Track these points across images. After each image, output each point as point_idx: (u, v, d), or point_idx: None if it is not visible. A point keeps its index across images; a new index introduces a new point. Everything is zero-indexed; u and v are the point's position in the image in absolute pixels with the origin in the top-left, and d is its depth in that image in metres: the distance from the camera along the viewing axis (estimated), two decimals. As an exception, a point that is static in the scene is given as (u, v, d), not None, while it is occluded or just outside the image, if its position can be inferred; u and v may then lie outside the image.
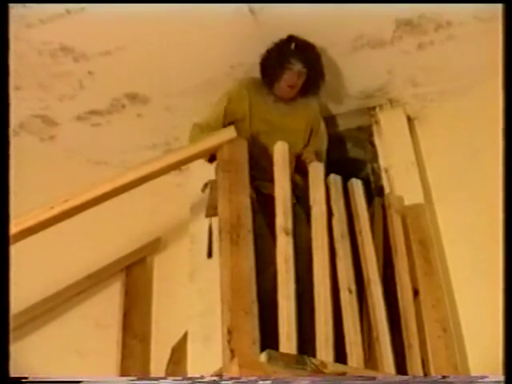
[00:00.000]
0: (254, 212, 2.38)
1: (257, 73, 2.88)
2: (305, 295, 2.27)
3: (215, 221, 2.61)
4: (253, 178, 2.49)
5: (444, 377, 2.22)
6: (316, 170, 2.65)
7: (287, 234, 2.33)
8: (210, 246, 2.64)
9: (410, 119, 3.17)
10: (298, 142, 2.81)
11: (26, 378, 1.77)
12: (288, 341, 2.06)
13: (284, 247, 2.30)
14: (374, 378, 2.10)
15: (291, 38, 2.71)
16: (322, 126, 2.95)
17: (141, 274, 3.21)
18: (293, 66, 2.69)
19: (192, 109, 3.12)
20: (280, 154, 2.55)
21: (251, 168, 2.50)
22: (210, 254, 2.63)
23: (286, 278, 2.22)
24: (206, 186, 2.74)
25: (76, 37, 2.73)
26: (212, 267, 2.57)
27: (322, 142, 2.92)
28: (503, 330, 1.69)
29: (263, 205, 2.45)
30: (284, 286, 2.20)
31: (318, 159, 2.76)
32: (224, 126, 2.69)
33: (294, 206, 2.49)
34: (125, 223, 3.22)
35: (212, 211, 2.59)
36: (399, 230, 2.68)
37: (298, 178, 2.70)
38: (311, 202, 2.56)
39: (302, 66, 2.69)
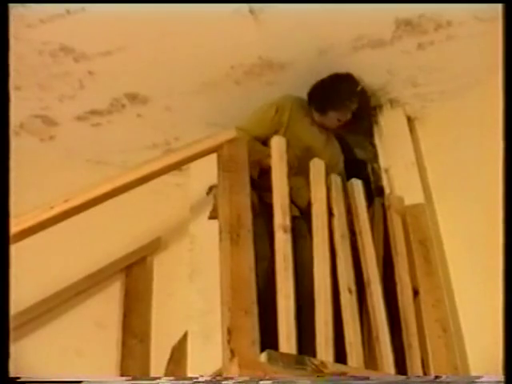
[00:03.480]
0: (254, 216, 2.37)
1: (257, 74, 2.89)
2: (306, 311, 2.27)
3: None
4: (257, 186, 2.49)
5: (437, 377, 2.22)
6: (317, 167, 2.65)
7: (285, 231, 2.32)
8: None
9: (409, 119, 3.16)
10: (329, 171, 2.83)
11: (25, 377, 1.77)
12: (287, 341, 2.06)
13: (282, 245, 2.29)
14: (367, 378, 2.09)
15: (354, 78, 2.89)
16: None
17: (141, 273, 3.21)
18: (352, 104, 2.87)
19: (192, 109, 3.13)
20: (277, 148, 2.55)
21: (258, 176, 2.51)
22: None
23: (285, 276, 2.21)
24: (210, 189, 2.75)
25: (76, 37, 2.73)
26: (212, 267, 2.57)
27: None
28: (503, 329, 1.69)
29: (264, 213, 2.45)
30: (283, 284, 2.19)
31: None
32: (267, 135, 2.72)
33: (297, 219, 2.50)
34: (125, 223, 3.22)
35: (215, 213, 2.62)
36: (399, 229, 2.68)
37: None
38: (312, 200, 2.56)
39: (355, 107, 2.88)
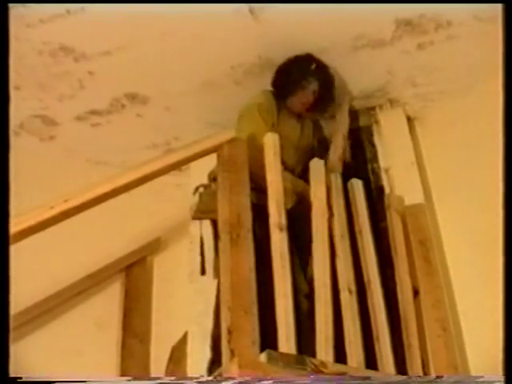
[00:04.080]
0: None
1: (257, 74, 2.89)
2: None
3: (206, 234, 2.65)
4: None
5: (438, 377, 2.22)
6: (317, 167, 2.65)
7: (281, 229, 2.30)
8: (202, 262, 2.66)
9: (409, 119, 3.16)
10: (305, 159, 2.82)
11: (25, 378, 1.77)
12: (287, 340, 2.05)
13: (279, 243, 2.26)
14: (368, 378, 2.09)
15: (311, 58, 2.80)
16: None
17: (141, 274, 3.21)
18: (310, 84, 2.80)
19: (192, 109, 3.13)
20: (271, 146, 2.52)
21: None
22: (203, 271, 2.65)
23: (282, 275, 2.18)
24: (197, 189, 2.76)
25: (76, 37, 2.73)
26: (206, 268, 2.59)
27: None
28: (503, 329, 1.69)
29: (255, 215, 2.43)
30: (280, 283, 2.17)
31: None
32: None
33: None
34: (125, 223, 3.22)
35: (199, 214, 2.63)
36: (399, 229, 2.68)
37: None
38: (312, 199, 2.56)
39: (317, 86, 2.81)
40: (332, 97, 2.89)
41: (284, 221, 2.33)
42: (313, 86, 2.81)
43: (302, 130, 2.94)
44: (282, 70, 2.84)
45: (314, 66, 2.80)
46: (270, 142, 2.53)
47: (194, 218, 2.73)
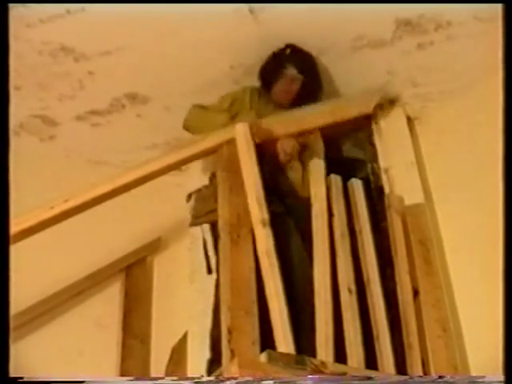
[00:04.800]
0: None
1: (256, 74, 2.89)
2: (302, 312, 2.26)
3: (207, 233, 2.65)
4: None
5: (440, 377, 2.22)
6: (317, 167, 2.65)
7: (265, 225, 2.25)
8: (207, 261, 2.66)
9: (409, 119, 3.16)
10: None
11: (26, 378, 1.77)
12: (284, 340, 2.05)
13: (263, 240, 2.22)
14: (370, 378, 2.09)
15: (288, 46, 2.78)
16: None
17: (141, 274, 3.21)
18: (287, 71, 2.77)
19: (192, 109, 3.12)
20: (242, 135, 2.47)
21: None
22: (209, 271, 2.66)
23: (271, 273, 2.14)
24: (190, 196, 2.76)
25: (76, 37, 2.74)
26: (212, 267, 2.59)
27: None
28: (503, 330, 1.69)
29: None
30: (270, 282, 2.14)
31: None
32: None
33: (280, 215, 2.44)
34: (125, 223, 3.22)
35: (195, 220, 2.64)
36: (399, 229, 2.68)
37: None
38: (312, 200, 2.56)
39: (296, 72, 2.77)
40: (319, 84, 2.86)
41: (266, 215, 2.28)
42: (290, 71, 2.76)
43: None
44: (263, 63, 2.83)
45: (288, 51, 2.76)
46: (242, 132, 2.48)
47: (191, 224, 2.73)
